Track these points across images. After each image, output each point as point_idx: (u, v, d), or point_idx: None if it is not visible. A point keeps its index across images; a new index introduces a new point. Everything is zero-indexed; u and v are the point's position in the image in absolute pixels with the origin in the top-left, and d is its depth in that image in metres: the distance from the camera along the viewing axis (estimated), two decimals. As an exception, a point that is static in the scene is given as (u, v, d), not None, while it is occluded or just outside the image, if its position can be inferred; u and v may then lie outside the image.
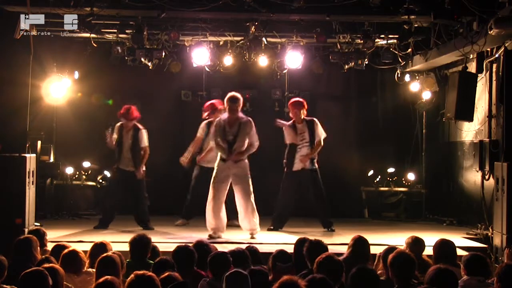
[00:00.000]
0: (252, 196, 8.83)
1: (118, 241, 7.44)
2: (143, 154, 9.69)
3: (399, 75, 11.24)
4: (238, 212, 8.91)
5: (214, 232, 8.72)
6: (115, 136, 9.72)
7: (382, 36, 10.05)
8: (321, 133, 9.60)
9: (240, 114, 8.85)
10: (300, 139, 9.59)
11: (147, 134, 9.77)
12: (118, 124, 9.76)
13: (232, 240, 8.50)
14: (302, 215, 10.27)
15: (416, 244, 6.08)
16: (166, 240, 8.36)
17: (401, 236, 7.65)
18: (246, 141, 8.84)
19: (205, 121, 10.05)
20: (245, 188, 8.80)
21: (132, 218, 9.88)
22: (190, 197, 10.13)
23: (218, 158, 8.91)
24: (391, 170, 11.76)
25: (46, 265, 4.87)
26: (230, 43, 10.26)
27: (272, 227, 9.67)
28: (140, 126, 9.76)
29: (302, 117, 9.57)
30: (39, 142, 10.72)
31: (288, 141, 9.69)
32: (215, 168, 8.89)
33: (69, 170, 11.37)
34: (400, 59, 10.60)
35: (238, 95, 8.87)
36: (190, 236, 8.58)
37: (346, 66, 10.52)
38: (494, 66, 9.16)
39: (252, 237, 8.76)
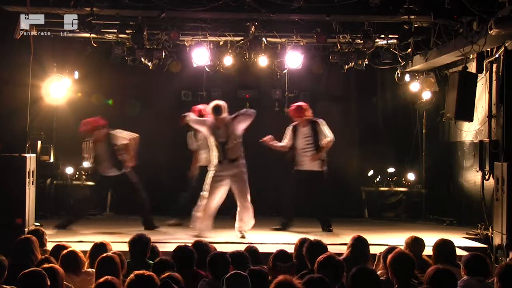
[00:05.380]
0: (249, 196, 8.84)
1: (118, 241, 7.44)
2: (128, 149, 9.60)
3: (399, 75, 11.24)
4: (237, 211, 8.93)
5: (199, 233, 8.73)
6: (86, 155, 9.69)
7: (382, 36, 10.04)
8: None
9: (226, 117, 8.82)
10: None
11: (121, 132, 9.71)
12: (85, 141, 9.67)
13: (232, 240, 8.50)
14: (302, 215, 10.26)
15: (416, 244, 6.09)
16: (166, 240, 8.35)
17: (401, 236, 7.64)
18: (240, 139, 8.84)
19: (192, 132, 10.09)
20: (241, 188, 8.81)
21: (132, 218, 9.88)
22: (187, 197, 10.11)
23: (215, 160, 8.87)
24: (391, 170, 11.76)
25: (46, 265, 4.87)
26: (230, 43, 10.26)
27: (280, 227, 9.70)
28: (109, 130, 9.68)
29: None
30: (39, 142, 10.72)
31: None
32: (212, 169, 8.87)
33: (69, 170, 11.38)
34: (400, 59, 10.59)
35: (221, 103, 8.82)
36: (190, 236, 8.57)
37: (346, 66, 10.52)
38: (494, 66, 9.16)
39: (242, 236, 8.75)
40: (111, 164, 9.59)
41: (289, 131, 9.74)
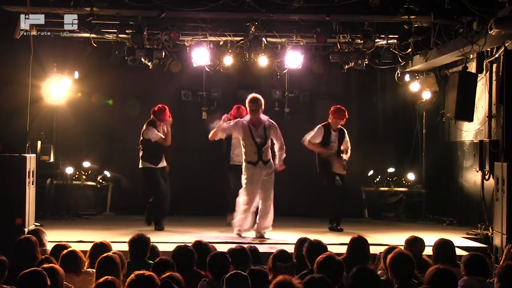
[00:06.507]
0: (272, 198, 8.83)
1: (118, 241, 7.44)
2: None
3: (399, 75, 11.24)
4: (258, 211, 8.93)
5: (239, 231, 8.80)
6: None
7: (382, 36, 10.06)
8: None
9: (262, 116, 8.82)
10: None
11: None
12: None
13: (232, 240, 8.50)
14: (303, 215, 10.28)
15: (416, 244, 6.08)
16: (166, 240, 8.35)
17: (401, 236, 7.65)
18: (269, 142, 8.87)
19: None
20: (267, 191, 8.80)
21: (132, 218, 9.87)
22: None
23: (248, 160, 8.80)
24: (391, 170, 11.76)
25: (46, 265, 4.87)
26: (230, 43, 10.27)
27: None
28: None
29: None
30: (39, 142, 10.72)
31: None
32: (245, 171, 8.81)
33: (69, 170, 11.37)
34: (400, 59, 10.61)
35: (259, 96, 8.83)
36: (190, 236, 8.57)
37: (346, 66, 10.53)
38: (494, 66, 9.16)
39: (261, 237, 8.74)
40: (161, 156, 9.59)
41: (321, 130, 9.62)
